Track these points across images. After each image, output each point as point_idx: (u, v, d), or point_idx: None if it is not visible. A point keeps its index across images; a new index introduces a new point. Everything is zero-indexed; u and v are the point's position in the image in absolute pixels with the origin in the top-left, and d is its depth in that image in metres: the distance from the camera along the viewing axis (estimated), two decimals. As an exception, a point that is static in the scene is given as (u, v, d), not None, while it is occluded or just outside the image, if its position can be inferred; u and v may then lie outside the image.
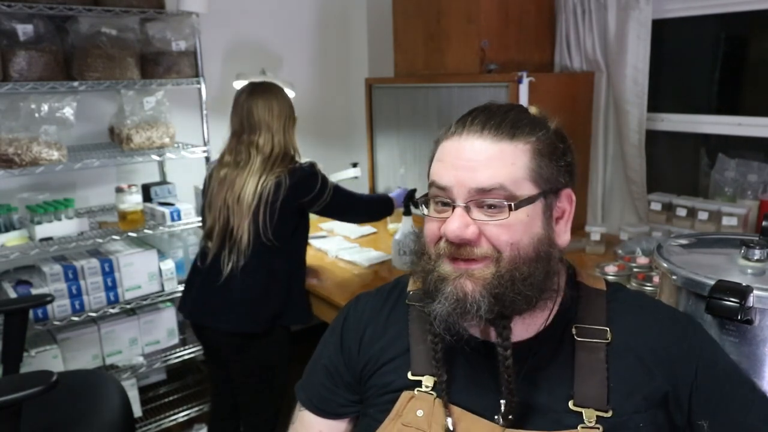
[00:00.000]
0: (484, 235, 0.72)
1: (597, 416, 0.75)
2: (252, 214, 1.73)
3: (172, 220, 2.21)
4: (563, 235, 0.78)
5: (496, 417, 0.77)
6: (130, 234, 2.17)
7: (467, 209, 0.72)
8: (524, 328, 0.80)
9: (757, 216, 1.93)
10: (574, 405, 0.76)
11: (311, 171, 1.81)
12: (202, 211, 1.92)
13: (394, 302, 0.91)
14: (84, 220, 2.13)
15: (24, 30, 1.95)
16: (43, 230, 2.02)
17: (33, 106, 1.98)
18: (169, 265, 2.27)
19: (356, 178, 2.73)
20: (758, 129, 2.00)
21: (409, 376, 0.83)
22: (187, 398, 2.56)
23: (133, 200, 2.16)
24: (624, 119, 2.16)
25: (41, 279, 2.07)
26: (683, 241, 1.07)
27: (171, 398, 2.57)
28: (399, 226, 2.00)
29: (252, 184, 1.73)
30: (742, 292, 0.81)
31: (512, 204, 0.70)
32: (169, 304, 2.34)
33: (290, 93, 2.55)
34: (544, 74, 2.24)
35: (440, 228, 0.74)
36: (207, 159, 2.35)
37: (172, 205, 2.27)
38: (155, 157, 2.32)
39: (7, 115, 1.95)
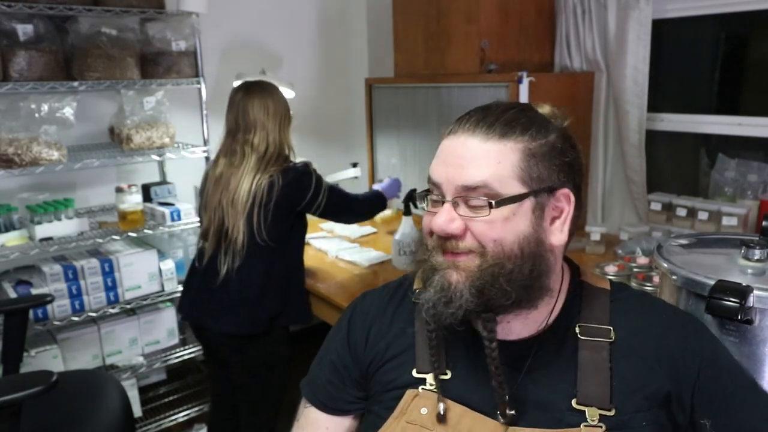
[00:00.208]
0: (470, 231, 0.75)
1: (600, 415, 0.76)
2: (246, 214, 1.72)
3: (172, 220, 2.21)
4: (558, 235, 0.77)
5: (498, 413, 0.77)
6: (130, 234, 2.17)
7: (455, 205, 0.75)
8: (523, 325, 0.81)
9: (757, 216, 1.93)
10: (577, 403, 0.77)
11: (304, 170, 1.79)
12: (199, 212, 1.92)
13: (400, 299, 0.92)
14: (84, 220, 2.13)
15: (24, 30, 1.95)
16: (43, 230, 2.02)
17: (33, 106, 1.98)
18: (169, 265, 2.27)
19: (356, 178, 2.73)
20: (758, 129, 2.00)
21: (414, 373, 0.84)
22: (187, 398, 2.56)
23: (133, 200, 2.16)
24: (624, 119, 2.16)
25: (41, 279, 2.07)
26: (683, 241, 1.07)
27: (171, 398, 2.57)
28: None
29: (246, 184, 1.73)
30: (742, 292, 0.81)
31: (493, 202, 0.72)
32: (169, 304, 2.34)
33: (290, 93, 2.56)
34: (544, 74, 2.24)
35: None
36: (207, 159, 2.35)
37: (172, 205, 2.27)
38: (155, 157, 2.33)
39: (7, 115, 1.95)
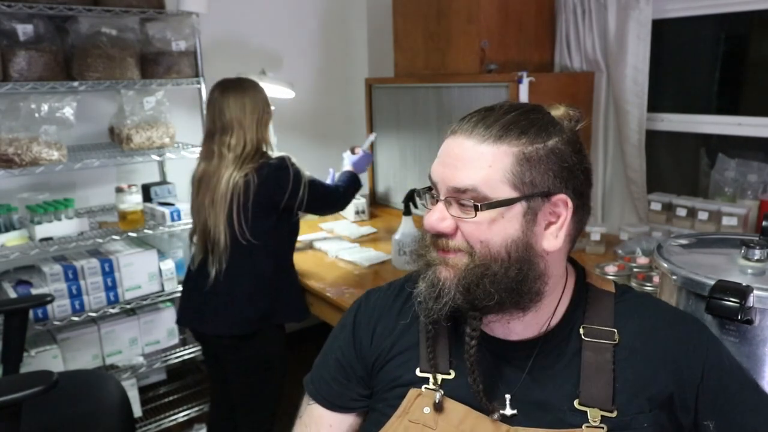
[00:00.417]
0: (460, 230, 0.76)
1: (602, 416, 0.76)
2: (226, 215, 1.72)
3: (172, 220, 2.21)
4: (553, 240, 0.77)
5: (495, 416, 0.78)
6: (130, 234, 2.17)
7: (448, 204, 0.76)
8: (525, 326, 0.81)
9: (757, 216, 1.93)
10: (579, 404, 0.77)
11: (280, 165, 1.76)
12: (191, 214, 1.92)
13: (405, 298, 0.92)
14: (84, 220, 2.13)
15: (24, 30, 1.95)
16: (43, 230, 2.02)
17: (33, 106, 1.98)
18: (169, 265, 2.27)
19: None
20: (758, 129, 2.00)
21: (417, 372, 0.85)
22: (187, 398, 2.56)
23: (133, 200, 2.16)
24: (624, 119, 2.16)
25: (41, 279, 2.07)
26: (683, 241, 1.07)
27: (171, 398, 2.57)
28: None
29: (224, 185, 1.72)
30: (742, 292, 0.81)
31: (479, 205, 0.73)
32: (169, 304, 2.34)
33: (290, 93, 2.57)
34: (544, 74, 2.24)
35: None
36: (207, 159, 2.35)
37: (172, 205, 2.27)
38: (155, 157, 2.33)
39: (7, 115, 1.95)
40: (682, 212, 2.05)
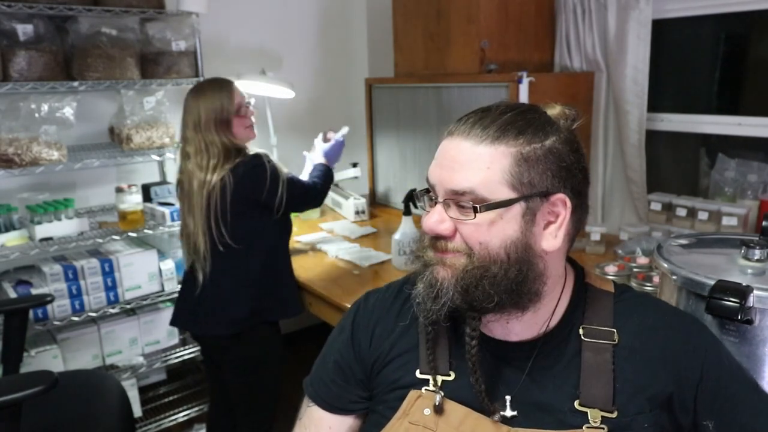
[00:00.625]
0: (459, 232, 0.76)
1: (602, 416, 0.76)
2: (204, 220, 1.72)
3: (172, 220, 2.21)
4: (552, 240, 0.77)
5: (496, 417, 0.78)
6: (130, 234, 2.17)
7: (447, 206, 0.76)
8: (524, 327, 0.81)
9: (757, 216, 1.93)
10: (580, 405, 0.77)
11: (255, 163, 1.73)
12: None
13: (405, 299, 0.92)
14: (84, 220, 2.13)
15: (24, 30, 1.95)
16: (43, 230, 2.02)
17: (33, 106, 1.98)
18: (169, 265, 2.27)
19: (356, 178, 2.73)
20: (758, 129, 2.00)
21: (417, 374, 0.84)
22: (187, 398, 2.56)
23: (133, 200, 2.16)
24: (624, 119, 2.16)
25: (41, 279, 2.07)
26: (683, 241, 1.07)
27: (171, 398, 2.57)
28: None
29: (197, 191, 1.71)
30: (742, 292, 0.81)
31: (478, 207, 0.73)
32: (169, 304, 2.34)
33: (290, 93, 2.57)
34: (544, 74, 2.24)
35: None
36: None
37: (172, 205, 2.27)
38: (155, 157, 2.33)
39: (7, 115, 1.96)
40: (682, 212, 2.05)
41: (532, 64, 2.34)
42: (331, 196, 2.80)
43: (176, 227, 2.23)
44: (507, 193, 0.73)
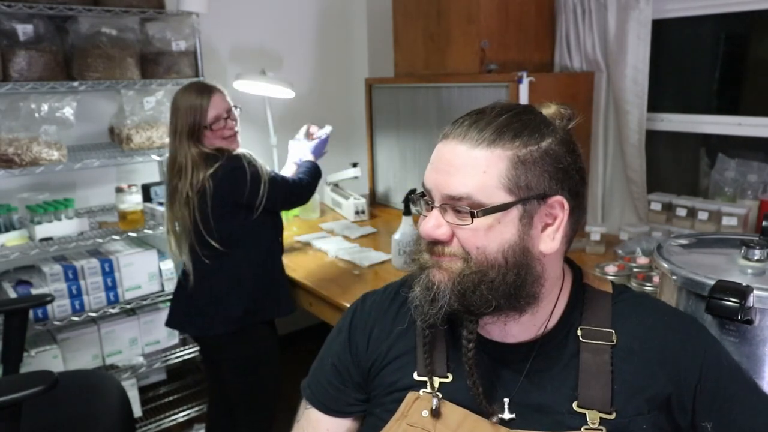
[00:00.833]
0: (456, 237, 0.75)
1: (600, 418, 0.76)
2: (192, 224, 1.72)
3: (172, 220, 2.21)
4: (549, 243, 0.76)
5: (494, 419, 0.78)
6: (130, 234, 2.17)
7: (444, 210, 0.75)
8: (522, 329, 0.81)
9: (757, 216, 1.93)
10: (578, 406, 0.77)
11: (235, 165, 1.72)
12: None
13: (402, 301, 0.91)
14: (84, 220, 2.13)
15: (24, 30, 1.95)
16: (43, 230, 2.02)
17: (33, 106, 1.98)
18: (169, 265, 2.27)
19: (356, 178, 2.73)
20: (758, 129, 2.00)
21: (415, 376, 0.84)
22: (187, 398, 2.56)
23: (133, 200, 2.16)
24: (624, 119, 2.16)
25: (41, 279, 2.07)
26: (683, 241, 1.07)
27: (171, 398, 2.57)
28: None
29: (180, 195, 1.71)
30: (742, 292, 0.81)
31: (475, 212, 0.72)
32: (169, 304, 2.33)
33: (290, 93, 2.57)
34: (544, 74, 2.23)
35: None
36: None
37: (172, 205, 2.26)
38: (155, 157, 2.33)
39: (7, 115, 1.96)
40: (682, 212, 2.05)
41: (532, 64, 2.34)
42: (331, 196, 2.80)
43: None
44: (504, 197, 0.73)
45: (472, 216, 0.72)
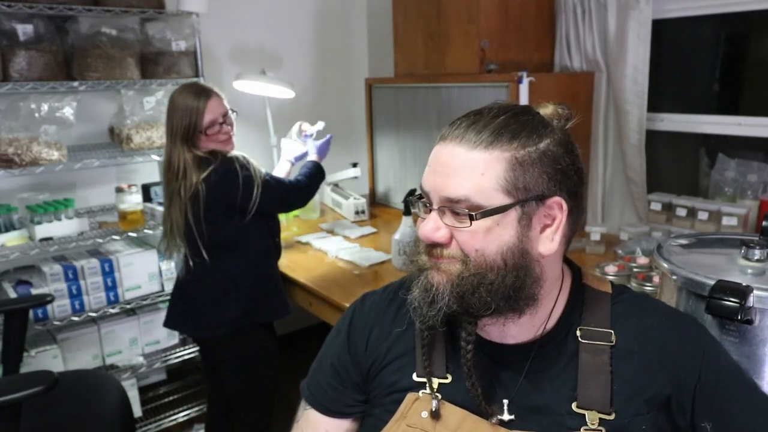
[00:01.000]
0: (455, 239, 0.75)
1: (600, 418, 0.76)
2: (185, 226, 1.72)
3: (172, 220, 2.21)
4: (548, 244, 0.76)
5: (494, 420, 0.78)
6: (130, 234, 2.17)
7: (442, 213, 0.75)
8: (521, 329, 0.80)
9: (757, 216, 1.93)
10: (578, 407, 0.77)
11: (227, 169, 1.70)
12: None
13: (401, 301, 0.90)
14: (84, 220, 2.13)
15: (24, 30, 1.95)
16: (43, 230, 2.02)
17: (33, 106, 1.98)
18: (169, 264, 2.27)
19: (356, 178, 2.73)
20: (758, 129, 2.00)
21: (414, 377, 0.84)
22: (187, 398, 2.56)
23: (133, 200, 2.16)
24: (624, 119, 2.16)
25: (41, 279, 2.07)
26: (683, 241, 1.07)
27: (171, 398, 2.57)
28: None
29: (175, 196, 1.72)
30: (742, 292, 0.81)
31: (473, 214, 0.72)
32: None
33: (290, 93, 2.57)
34: (544, 74, 2.23)
35: None
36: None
37: (172, 205, 2.26)
38: (155, 157, 2.32)
39: (7, 115, 1.96)
40: (682, 212, 2.05)
41: (532, 64, 2.34)
42: (331, 196, 2.80)
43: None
44: (502, 199, 0.72)
45: (471, 218, 0.72)
